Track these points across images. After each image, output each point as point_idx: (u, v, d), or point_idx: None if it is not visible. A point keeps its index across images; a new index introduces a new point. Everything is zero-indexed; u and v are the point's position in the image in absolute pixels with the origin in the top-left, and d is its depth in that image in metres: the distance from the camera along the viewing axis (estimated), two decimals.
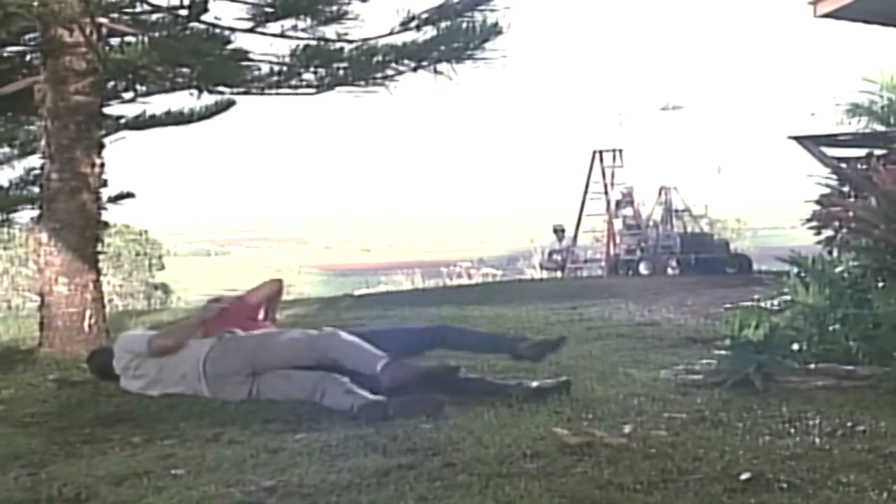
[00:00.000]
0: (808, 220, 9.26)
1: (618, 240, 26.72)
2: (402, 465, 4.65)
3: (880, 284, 7.73)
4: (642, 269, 23.91)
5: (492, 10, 11.70)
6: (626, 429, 5.33)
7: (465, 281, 30.64)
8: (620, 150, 28.12)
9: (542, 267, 28.72)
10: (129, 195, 14.44)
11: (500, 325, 10.77)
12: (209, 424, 5.77)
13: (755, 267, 20.38)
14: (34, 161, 12.86)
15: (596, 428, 5.32)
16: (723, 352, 7.33)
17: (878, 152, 11.40)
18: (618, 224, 27.05)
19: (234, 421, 5.81)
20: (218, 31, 11.95)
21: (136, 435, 5.75)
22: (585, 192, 28.09)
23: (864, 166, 10.24)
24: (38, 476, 4.86)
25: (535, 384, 6.51)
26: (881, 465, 4.62)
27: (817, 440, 5.16)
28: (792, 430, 5.38)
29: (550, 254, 28.24)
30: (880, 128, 12.92)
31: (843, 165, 12.23)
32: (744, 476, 4.36)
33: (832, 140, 14.26)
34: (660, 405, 6.10)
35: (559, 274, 26.27)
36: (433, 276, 33.95)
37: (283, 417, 5.80)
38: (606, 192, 27.61)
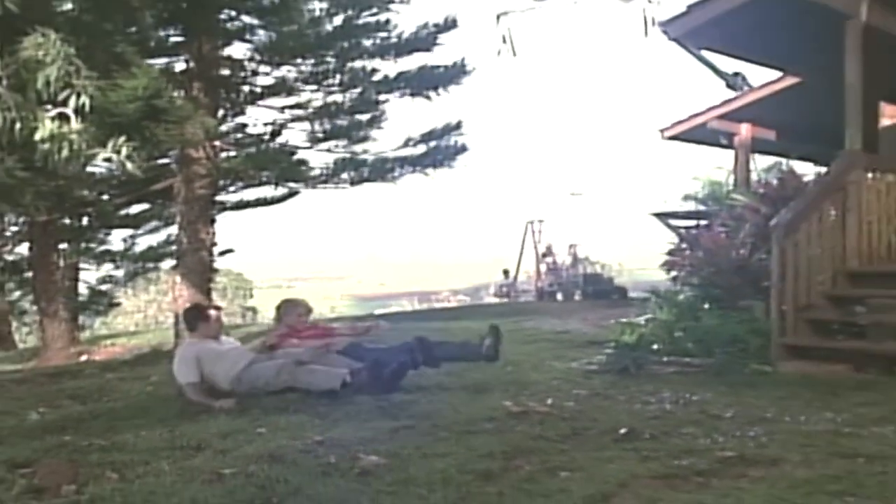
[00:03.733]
0: (662, 265, 9.30)
1: (543, 277, 26.73)
2: (406, 426, 4.62)
3: (706, 307, 7.79)
4: (558, 296, 23.87)
5: (460, 136, 11.92)
6: (549, 401, 5.34)
7: (445, 304, 30.58)
8: (542, 220, 28.32)
9: (495, 295, 28.67)
10: (231, 251, 14.45)
11: (471, 332, 10.41)
12: (282, 400, 5.68)
13: (630, 295, 20.33)
14: (172, 230, 12.86)
15: (530, 401, 5.32)
16: (610, 350, 7.38)
17: (702, 223, 11.48)
18: (543, 267, 27.08)
19: (299, 398, 5.69)
20: (288, 148, 12.08)
21: (235, 407, 5.68)
22: (522, 247, 28.18)
23: (694, 231, 10.29)
24: (174, 432, 4.79)
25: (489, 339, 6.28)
26: (708, 422, 4.65)
27: (668, 406, 5.22)
28: (653, 400, 5.42)
29: (500, 287, 28.26)
30: (703, 208, 13.05)
31: (682, 231, 12.31)
32: (622, 430, 4.39)
33: (675, 215, 14.36)
34: (571, 385, 6.10)
35: (506, 299, 26.25)
36: (425, 301, 33.91)
37: (327, 397, 5.65)
38: (535, 247, 27.71)
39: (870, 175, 7.90)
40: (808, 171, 12.63)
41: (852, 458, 3.75)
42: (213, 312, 6.59)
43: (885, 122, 11.32)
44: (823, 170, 9.73)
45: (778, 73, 11.72)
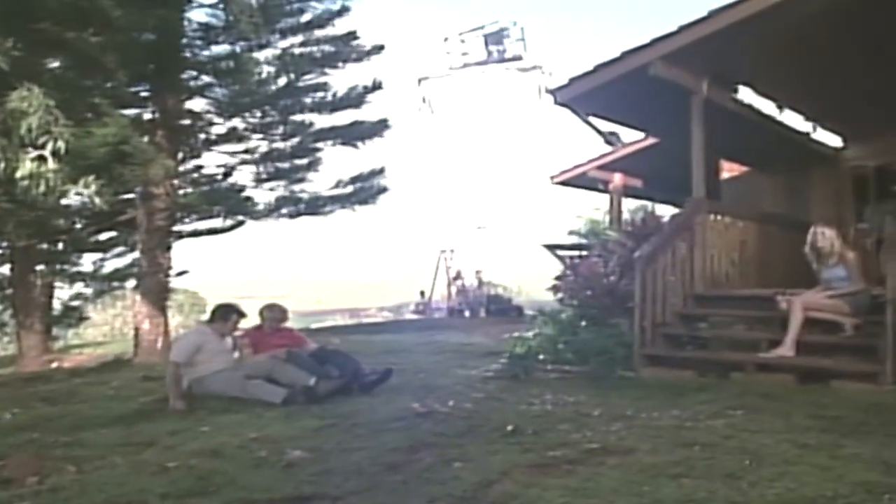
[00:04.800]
0: (550, 288, 9.34)
1: (453, 297, 26.62)
2: (329, 424, 4.60)
3: (583, 324, 7.84)
4: (466, 314, 23.65)
5: (383, 179, 12.00)
6: (451, 402, 5.31)
7: (372, 320, 30.20)
8: (453, 249, 28.25)
9: (413, 312, 28.44)
10: (186, 272, 14.11)
11: (392, 345, 10.47)
12: (225, 402, 5.61)
13: (526, 312, 20.35)
14: (136, 254, 12.53)
15: (435, 402, 5.29)
16: (504, 360, 7.32)
17: (583, 253, 11.65)
18: (453, 289, 26.97)
19: (238, 401, 5.63)
20: (236, 186, 11.98)
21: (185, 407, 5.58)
22: (436, 271, 27.96)
23: (577, 260, 10.44)
24: (129, 430, 4.70)
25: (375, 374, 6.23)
26: (580, 419, 4.67)
27: (549, 406, 5.22)
28: (536, 402, 5.40)
29: (418, 305, 28.09)
30: (584, 241, 13.28)
31: (567, 260, 12.48)
32: (510, 427, 4.39)
33: (562, 247, 14.60)
34: (470, 389, 6.07)
35: (423, 316, 26.06)
36: (355, 317, 33.49)
37: (263, 401, 5.60)
38: (447, 272, 27.57)
39: (712, 217, 8.22)
40: (668, 212, 13.00)
41: (690, 447, 3.86)
42: (233, 316, 6.41)
43: (725, 174, 11.80)
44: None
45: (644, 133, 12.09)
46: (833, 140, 11.49)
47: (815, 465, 3.45)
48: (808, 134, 10.99)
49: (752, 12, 6.96)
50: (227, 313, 6.43)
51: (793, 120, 10.37)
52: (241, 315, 6.51)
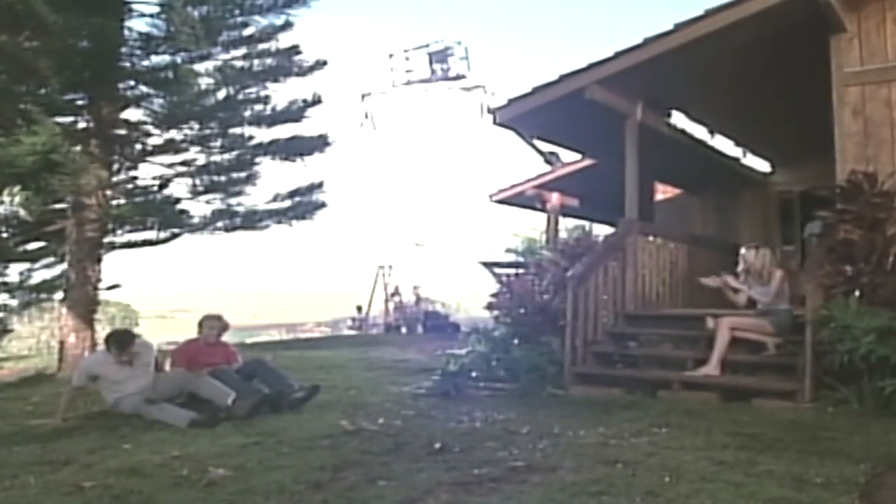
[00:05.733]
0: (485, 306, 9.36)
1: (390, 313, 26.47)
2: (255, 441, 4.53)
3: (516, 341, 7.89)
4: (403, 330, 23.58)
5: (322, 194, 11.95)
6: (380, 420, 5.29)
7: (309, 335, 29.73)
8: (392, 266, 28.15)
9: (350, 328, 28.18)
10: (118, 286, 13.75)
11: (326, 361, 10.32)
12: (147, 421, 5.48)
13: (463, 329, 20.36)
14: (63, 266, 12.14)
15: (364, 420, 5.26)
16: (437, 377, 7.31)
17: (519, 271, 11.75)
18: (391, 305, 26.81)
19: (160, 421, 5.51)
20: (172, 198, 11.74)
21: (108, 424, 5.41)
22: (374, 287, 27.77)
23: (512, 278, 10.50)
24: (45, 448, 4.54)
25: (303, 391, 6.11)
26: (507, 437, 4.68)
27: (478, 424, 5.22)
28: (466, 419, 5.41)
29: (355, 320, 27.84)
30: (521, 259, 13.40)
31: (504, 278, 12.57)
32: (437, 445, 4.38)
33: (499, 265, 14.73)
34: (400, 406, 6.03)
35: (359, 332, 25.83)
36: (292, 332, 32.93)
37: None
38: (385, 288, 27.43)
39: (645, 238, 8.40)
40: (605, 232, 13.21)
41: (612, 464, 3.91)
42: (111, 349, 6.00)
43: (659, 196, 12.09)
44: None
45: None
46: (762, 165, 11.89)
47: (731, 482, 3.54)
48: (738, 159, 11.34)
49: (684, 42, 7.19)
50: (107, 345, 6.13)
51: (724, 145, 10.71)
52: (119, 344, 6.05)
